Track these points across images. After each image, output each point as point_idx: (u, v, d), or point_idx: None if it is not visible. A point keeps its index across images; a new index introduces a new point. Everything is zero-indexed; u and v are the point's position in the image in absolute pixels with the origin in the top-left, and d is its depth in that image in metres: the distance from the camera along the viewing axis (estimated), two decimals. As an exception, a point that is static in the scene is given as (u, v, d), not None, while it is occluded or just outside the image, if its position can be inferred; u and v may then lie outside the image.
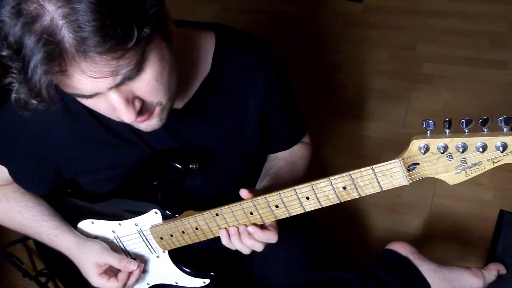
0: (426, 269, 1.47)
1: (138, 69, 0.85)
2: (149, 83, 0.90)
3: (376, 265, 1.50)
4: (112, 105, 0.91)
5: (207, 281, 1.31)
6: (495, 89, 2.25)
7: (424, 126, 0.86)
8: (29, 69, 0.77)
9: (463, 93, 2.27)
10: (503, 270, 1.56)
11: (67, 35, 0.76)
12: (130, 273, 1.28)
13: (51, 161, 1.21)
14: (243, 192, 1.11)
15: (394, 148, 2.16)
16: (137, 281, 1.31)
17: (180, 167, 1.17)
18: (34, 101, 0.83)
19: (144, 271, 1.36)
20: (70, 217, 1.35)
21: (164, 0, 0.90)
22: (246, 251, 1.16)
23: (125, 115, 0.91)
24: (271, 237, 1.13)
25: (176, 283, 1.35)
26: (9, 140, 1.20)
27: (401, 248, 1.52)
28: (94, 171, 1.23)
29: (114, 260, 1.26)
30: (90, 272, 1.27)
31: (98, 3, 0.75)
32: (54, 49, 0.76)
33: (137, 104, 0.92)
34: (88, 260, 1.28)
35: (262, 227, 1.14)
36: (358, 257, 1.88)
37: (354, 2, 2.81)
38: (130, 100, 0.91)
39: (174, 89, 0.99)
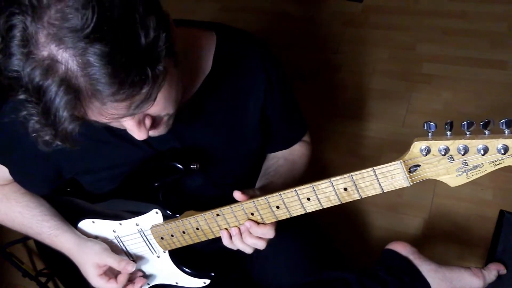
0: (426, 269, 1.47)
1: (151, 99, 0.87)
2: (158, 104, 0.91)
3: (376, 265, 1.51)
4: (124, 126, 0.94)
5: (208, 281, 1.31)
6: (495, 89, 2.25)
7: (425, 128, 0.86)
8: (51, 116, 0.79)
9: (463, 93, 2.27)
10: (503, 270, 1.56)
11: (83, 85, 0.77)
12: (130, 276, 1.28)
13: (51, 161, 1.21)
14: (237, 194, 1.11)
15: (394, 148, 2.16)
16: (138, 284, 1.31)
17: (181, 167, 1.17)
18: (59, 143, 0.85)
19: (147, 277, 1.37)
20: (71, 217, 1.35)
21: (169, 18, 0.90)
22: (248, 250, 1.16)
23: (137, 135, 0.95)
24: (267, 231, 1.13)
25: (177, 283, 1.35)
26: (9, 139, 1.20)
27: (401, 248, 1.52)
28: (95, 171, 1.24)
29: (113, 261, 1.26)
30: (90, 272, 1.27)
31: (113, 54, 0.75)
32: (73, 98, 0.78)
33: (148, 122, 0.95)
34: (88, 260, 1.28)
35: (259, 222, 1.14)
36: (358, 257, 1.88)
37: (354, 2, 2.80)
38: (142, 120, 0.94)
39: (179, 98, 1.01)
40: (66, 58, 0.76)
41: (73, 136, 0.83)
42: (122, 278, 1.26)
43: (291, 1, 2.98)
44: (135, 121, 0.92)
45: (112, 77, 0.76)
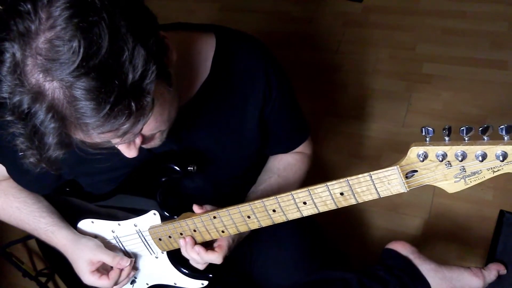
0: (426, 268, 1.47)
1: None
2: (149, 126, 0.91)
3: (376, 265, 1.51)
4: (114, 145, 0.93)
5: (206, 282, 1.31)
6: (495, 89, 2.24)
7: (423, 133, 0.85)
8: (36, 141, 0.80)
9: (463, 93, 2.26)
10: (503, 270, 1.56)
11: (69, 115, 0.77)
12: (121, 271, 1.28)
13: None
14: (195, 207, 1.15)
15: (394, 148, 2.16)
16: (128, 278, 1.31)
17: (178, 169, 1.17)
18: (43, 165, 0.85)
19: (136, 268, 1.37)
20: (70, 217, 1.36)
21: (165, 40, 0.89)
22: (199, 267, 1.21)
23: (127, 154, 0.95)
24: (215, 258, 1.16)
25: (175, 283, 1.35)
26: (5, 139, 1.20)
27: (401, 248, 1.52)
28: (93, 174, 1.24)
29: (107, 258, 1.27)
30: (83, 269, 1.28)
31: (99, 89, 0.75)
32: (60, 126, 0.78)
33: (138, 141, 0.95)
34: (82, 256, 1.28)
35: (208, 248, 1.17)
36: (358, 257, 1.88)
37: (354, 2, 2.80)
38: (132, 140, 0.93)
39: (173, 114, 1.00)
40: (53, 88, 0.75)
41: (58, 164, 0.84)
42: (114, 274, 1.27)
43: (291, 1, 2.97)
44: (124, 143, 0.92)
45: (97, 111, 0.76)
